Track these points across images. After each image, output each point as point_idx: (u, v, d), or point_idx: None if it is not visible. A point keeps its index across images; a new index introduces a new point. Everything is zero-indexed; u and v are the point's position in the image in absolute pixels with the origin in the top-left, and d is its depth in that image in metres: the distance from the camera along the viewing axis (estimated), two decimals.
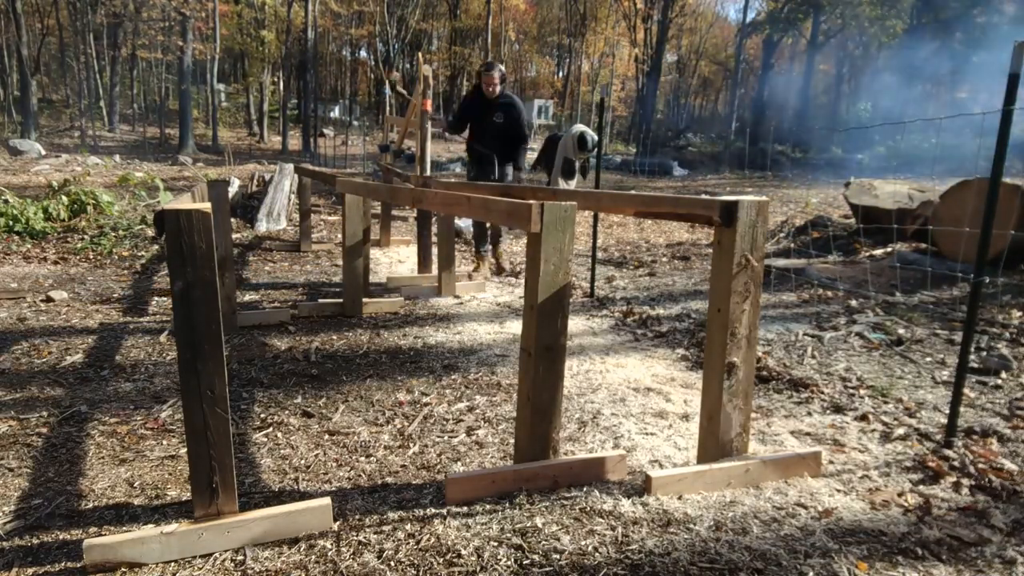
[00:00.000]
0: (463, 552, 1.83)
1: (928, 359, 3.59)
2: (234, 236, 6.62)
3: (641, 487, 2.19)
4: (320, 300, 4.54)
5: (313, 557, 1.81)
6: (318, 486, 2.23)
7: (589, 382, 3.28)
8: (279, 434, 2.62)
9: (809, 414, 2.90)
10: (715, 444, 2.25)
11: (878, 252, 6.18)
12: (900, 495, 2.18)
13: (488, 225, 5.77)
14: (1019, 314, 4.25)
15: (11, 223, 6.56)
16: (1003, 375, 3.31)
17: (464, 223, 7.87)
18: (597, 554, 1.83)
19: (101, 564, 1.74)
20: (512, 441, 2.48)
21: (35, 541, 1.89)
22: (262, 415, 2.79)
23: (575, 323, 4.32)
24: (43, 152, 18.61)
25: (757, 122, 28.82)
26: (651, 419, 2.84)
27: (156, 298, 4.77)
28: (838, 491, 2.22)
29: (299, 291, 5.18)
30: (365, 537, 1.91)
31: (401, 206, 8.30)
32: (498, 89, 5.45)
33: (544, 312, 2.15)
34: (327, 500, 1.97)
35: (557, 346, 2.20)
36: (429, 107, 5.78)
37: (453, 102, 42.23)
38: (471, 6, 38.98)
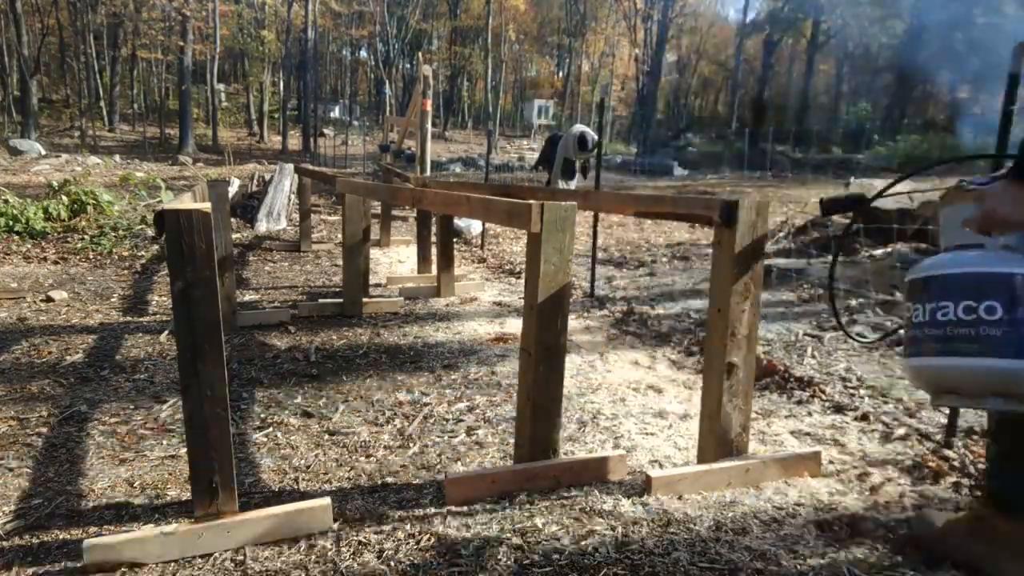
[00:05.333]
0: (463, 552, 1.83)
1: None
2: (234, 236, 6.62)
3: (641, 487, 2.19)
4: (320, 300, 4.54)
5: (313, 557, 1.81)
6: (318, 486, 2.23)
7: (589, 382, 3.28)
8: (279, 434, 2.61)
9: (809, 414, 2.90)
10: (715, 444, 2.25)
11: (878, 252, 6.17)
12: (900, 495, 2.18)
13: None
14: None
15: (11, 223, 6.56)
16: None
17: (464, 223, 7.87)
18: (597, 554, 1.83)
19: (101, 564, 1.74)
20: (512, 441, 2.48)
21: (35, 541, 1.89)
22: (262, 415, 2.79)
23: (575, 323, 4.32)
24: (43, 152, 18.61)
25: (757, 122, 28.82)
26: (651, 419, 2.84)
27: (156, 298, 4.77)
28: (838, 491, 2.22)
29: (299, 291, 5.18)
30: (365, 537, 1.90)
31: (401, 206, 8.30)
32: None
33: (544, 312, 2.15)
34: (327, 500, 1.97)
35: (557, 346, 2.20)
36: (429, 107, 5.78)
37: (453, 102, 42.23)
38: (471, 6, 38.99)
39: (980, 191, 1.61)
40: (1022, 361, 1.49)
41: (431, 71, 5.45)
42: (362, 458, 2.43)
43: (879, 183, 6.94)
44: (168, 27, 27.63)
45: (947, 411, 2.58)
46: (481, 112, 42.15)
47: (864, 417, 2.83)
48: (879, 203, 6.34)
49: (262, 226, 8.14)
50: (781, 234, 7.57)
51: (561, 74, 47.54)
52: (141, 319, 4.24)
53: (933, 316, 1.60)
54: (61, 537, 1.91)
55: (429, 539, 1.90)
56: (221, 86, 35.56)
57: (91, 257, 6.05)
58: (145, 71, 35.84)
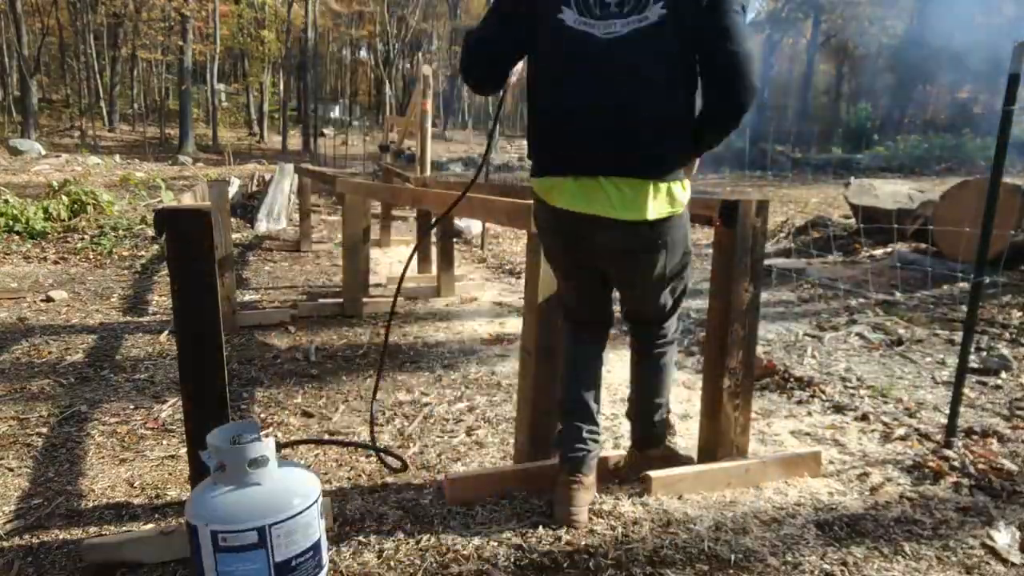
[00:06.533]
0: (463, 552, 1.83)
1: (928, 359, 3.59)
2: (234, 236, 6.62)
3: (641, 487, 2.19)
4: (320, 300, 4.54)
5: None
6: None
7: None
8: (279, 434, 2.61)
9: (809, 414, 2.90)
10: (715, 444, 2.25)
11: (878, 252, 6.17)
12: (900, 496, 2.18)
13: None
14: (1019, 314, 4.25)
15: (11, 223, 6.56)
16: (1003, 375, 3.31)
17: (464, 223, 7.87)
18: (597, 554, 1.83)
19: (101, 564, 1.74)
20: (512, 441, 2.48)
21: (35, 541, 1.89)
22: (262, 415, 2.79)
23: None
24: (43, 152, 18.60)
25: (757, 122, 28.83)
26: None
27: (156, 298, 4.77)
28: (838, 491, 2.22)
29: (299, 291, 5.18)
30: (365, 537, 1.90)
31: (401, 206, 8.30)
32: None
33: (544, 312, 2.15)
34: (327, 500, 1.97)
35: (557, 346, 2.20)
36: (429, 107, 5.77)
37: (454, 103, 42.18)
38: (471, 6, 38.99)
39: None
40: None
41: (431, 71, 5.45)
42: (362, 458, 2.43)
43: (879, 183, 6.94)
44: (168, 27, 27.65)
45: (947, 411, 2.58)
46: (481, 112, 42.15)
47: (864, 417, 2.83)
48: (878, 203, 6.34)
49: (262, 226, 8.14)
50: (781, 234, 7.57)
51: None
52: (141, 319, 4.24)
53: None
54: (61, 537, 1.91)
55: (429, 539, 1.90)
56: (221, 86, 35.56)
57: (91, 257, 6.05)
58: (145, 71, 35.84)
